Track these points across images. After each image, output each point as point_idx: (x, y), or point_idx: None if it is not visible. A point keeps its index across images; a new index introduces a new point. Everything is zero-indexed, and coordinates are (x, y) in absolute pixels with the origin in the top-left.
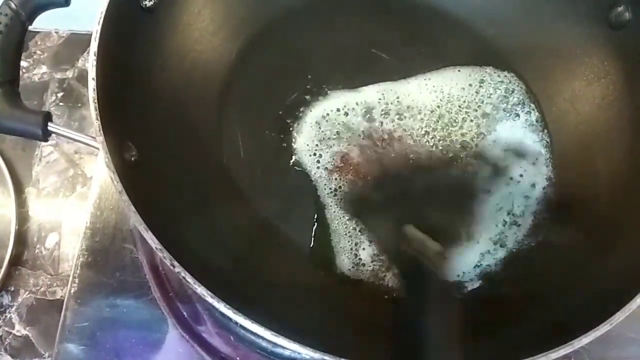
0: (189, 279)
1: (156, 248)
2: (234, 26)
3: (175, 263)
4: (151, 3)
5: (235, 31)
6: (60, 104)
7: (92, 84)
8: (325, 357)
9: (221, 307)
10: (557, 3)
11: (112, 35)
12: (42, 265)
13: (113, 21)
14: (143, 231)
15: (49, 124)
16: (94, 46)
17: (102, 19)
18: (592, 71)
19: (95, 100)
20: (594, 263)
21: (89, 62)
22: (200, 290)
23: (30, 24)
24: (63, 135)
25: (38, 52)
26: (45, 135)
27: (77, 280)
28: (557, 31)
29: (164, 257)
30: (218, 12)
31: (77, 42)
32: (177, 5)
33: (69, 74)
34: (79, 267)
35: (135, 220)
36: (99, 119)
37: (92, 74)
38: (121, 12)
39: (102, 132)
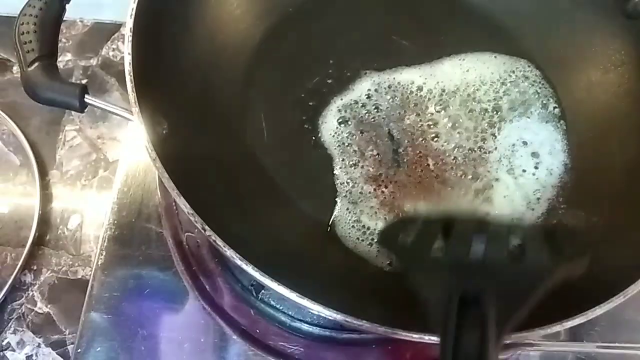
0: (219, 242)
1: (188, 212)
2: (258, 11)
3: (207, 227)
4: None
5: (260, 16)
6: None
7: (128, 58)
8: (347, 318)
9: (249, 269)
10: None
11: (146, 14)
12: (65, 245)
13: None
14: (176, 196)
15: (86, 95)
16: (129, 22)
17: None
18: (608, 60)
19: (131, 73)
20: (608, 243)
21: (125, 38)
22: (230, 253)
23: (68, 1)
24: (99, 107)
25: (63, 39)
26: (82, 106)
27: (104, 253)
28: (573, 20)
29: (196, 221)
30: None
31: (101, 31)
32: None
33: (93, 62)
34: (106, 240)
35: (168, 186)
36: (134, 91)
37: (127, 49)
38: None
39: (137, 104)
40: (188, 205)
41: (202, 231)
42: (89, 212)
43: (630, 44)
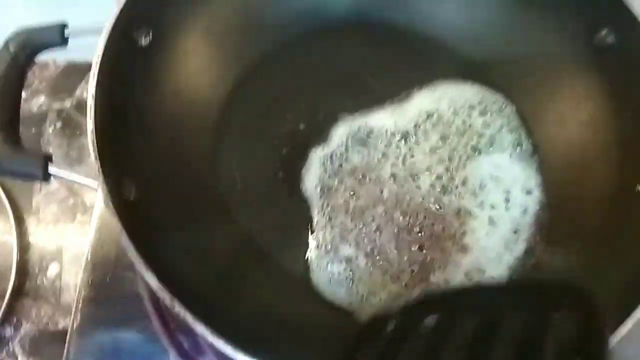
0: (189, 319)
1: (157, 287)
2: (228, 60)
3: (176, 303)
4: (146, 42)
5: (230, 64)
6: (59, 133)
7: (90, 125)
8: None
9: (220, 345)
10: (543, 27)
11: (109, 77)
12: (44, 295)
13: (110, 63)
14: (144, 271)
15: (50, 166)
16: (91, 89)
17: (98, 62)
18: (579, 92)
19: (94, 143)
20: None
21: (88, 105)
22: (200, 328)
23: (29, 67)
24: (63, 178)
25: (36, 82)
26: (46, 177)
27: (79, 315)
28: (544, 54)
29: (164, 297)
30: (212, 47)
31: (74, 72)
32: (172, 42)
33: (67, 103)
34: (80, 302)
35: (136, 262)
36: (98, 161)
37: (90, 116)
38: (117, 53)
39: (101, 173)
40: (156, 281)
41: (171, 308)
42: (68, 259)
43: (599, 77)
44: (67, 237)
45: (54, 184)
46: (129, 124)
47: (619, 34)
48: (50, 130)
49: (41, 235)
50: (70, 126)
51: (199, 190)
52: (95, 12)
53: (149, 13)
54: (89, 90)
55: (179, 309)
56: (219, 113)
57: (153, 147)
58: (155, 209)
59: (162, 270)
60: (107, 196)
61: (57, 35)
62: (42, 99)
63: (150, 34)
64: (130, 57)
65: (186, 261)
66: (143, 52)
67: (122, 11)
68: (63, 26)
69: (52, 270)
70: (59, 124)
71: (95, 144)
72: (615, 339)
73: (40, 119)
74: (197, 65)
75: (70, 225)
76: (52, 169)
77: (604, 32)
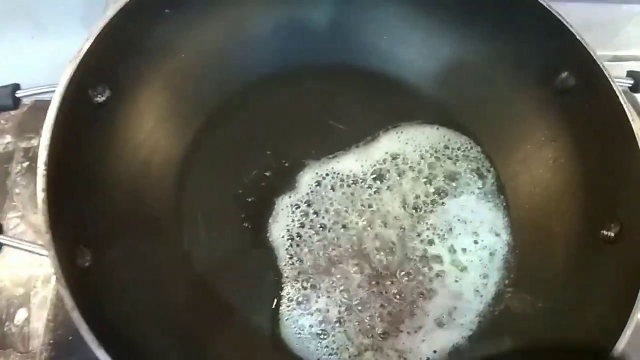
0: None
1: None
2: (190, 110)
3: None
4: (103, 98)
5: (190, 114)
6: (27, 173)
7: (41, 195)
8: None
9: None
10: (506, 70)
11: (63, 139)
12: (12, 343)
13: (64, 123)
14: (95, 349)
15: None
16: (42, 155)
17: (52, 123)
18: (542, 134)
19: (46, 212)
20: (555, 331)
21: (38, 173)
22: None
23: None
24: (14, 247)
25: (2, 121)
26: None
27: None
28: (508, 96)
29: None
30: (173, 99)
31: (41, 110)
32: (129, 97)
33: (34, 142)
34: None
35: (87, 338)
36: (49, 231)
37: (41, 184)
38: (72, 112)
39: (52, 244)
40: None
41: None
42: (35, 304)
43: (561, 118)
44: (35, 282)
45: (20, 226)
46: (86, 183)
47: (579, 77)
48: (16, 170)
49: (8, 281)
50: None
51: (160, 245)
52: (49, 71)
53: (104, 70)
54: (39, 156)
55: None
56: (181, 164)
57: (112, 206)
58: (112, 274)
59: (117, 343)
60: (57, 270)
61: (8, 97)
62: (8, 138)
63: (107, 90)
64: (86, 115)
65: (145, 324)
66: (100, 109)
67: (76, 70)
68: (15, 86)
69: (20, 316)
70: (25, 164)
71: (47, 215)
72: None
73: (7, 158)
74: (157, 118)
75: (37, 270)
76: (2, 238)
77: (564, 74)
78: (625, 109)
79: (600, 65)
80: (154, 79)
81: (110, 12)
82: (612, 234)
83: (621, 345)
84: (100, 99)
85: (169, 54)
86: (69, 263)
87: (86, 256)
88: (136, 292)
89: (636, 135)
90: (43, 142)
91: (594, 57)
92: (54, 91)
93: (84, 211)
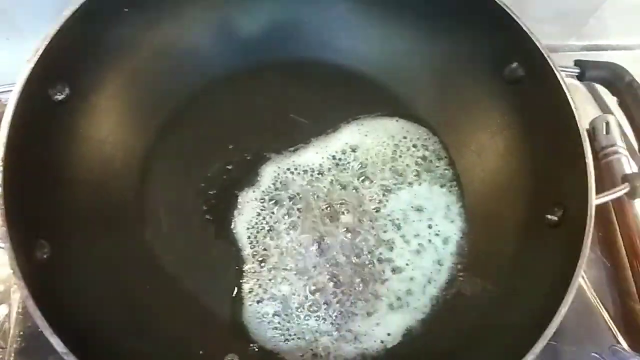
0: None
1: (62, 352)
2: (150, 106)
3: None
4: (62, 96)
5: (153, 110)
6: None
7: None
8: None
9: None
10: (459, 62)
11: (22, 135)
12: None
13: (23, 119)
14: (49, 336)
15: None
16: (0, 151)
17: (9, 120)
18: (495, 123)
19: (3, 206)
20: (503, 312)
21: None
22: None
23: None
24: None
25: None
26: None
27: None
28: (461, 86)
29: None
30: (133, 95)
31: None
32: (90, 94)
33: None
34: (12, 354)
35: (40, 325)
36: (5, 224)
37: None
38: (31, 109)
39: (8, 237)
40: (62, 345)
41: None
42: (16, 301)
43: (512, 108)
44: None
45: None
46: (46, 179)
47: (526, 67)
48: None
49: None
50: None
51: (122, 237)
52: (7, 69)
53: (63, 69)
54: None
55: None
56: (143, 159)
57: (74, 200)
58: (71, 265)
59: (74, 330)
60: (12, 262)
61: None
62: None
63: (67, 88)
64: (47, 112)
65: (105, 314)
66: (59, 107)
67: (34, 68)
68: None
69: (1, 312)
70: None
71: (3, 209)
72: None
73: None
74: (120, 115)
75: None
76: None
77: (514, 65)
78: (569, 98)
79: (545, 55)
80: (115, 77)
81: (68, 11)
82: (556, 218)
83: (554, 326)
84: (59, 97)
85: (130, 52)
86: (26, 255)
87: (44, 249)
88: (96, 283)
89: (578, 123)
90: (0, 139)
91: (540, 47)
92: (11, 90)
93: (43, 205)
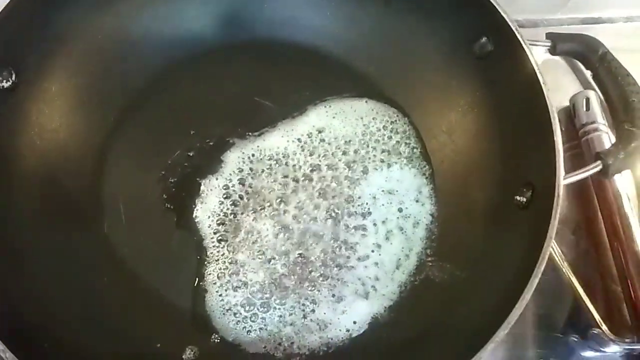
0: None
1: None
2: (106, 92)
3: None
4: (9, 83)
5: (109, 97)
6: None
7: None
8: None
9: None
10: (429, 39)
11: None
12: None
13: None
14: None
15: None
16: None
17: None
18: (466, 102)
19: None
20: (470, 298)
21: None
22: None
23: None
24: None
25: None
26: None
27: None
28: (431, 64)
29: (7, 357)
30: (86, 81)
31: None
32: (39, 81)
33: None
34: None
35: None
36: None
37: None
38: None
39: None
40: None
41: None
42: None
43: (482, 84)
44: None
45: None
46: None
47: (495, 42)
48: None
49: None
50: None
51: (80, 232)
52: None
53: (8, 54)
54: None
55: None
56: (101, 148)
57: (23, 192)
58: (24, 259)
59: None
60: None
61: None
62: None
63: (13, 75)
64: None
65: (59, 309)
66: (6, 94)
67: None
68: None
69: None
70: None
71: None
72: (490, 345)
73: None
74: (73, 102)
75: None
76: None
77: (483, 40)
78: (537, 72)
79: (513, 28)
80: (66, 62)
81: None
82: (525, 200)
83: (518, 310)
84: (5, 84)
85: (80, 35)
86: None
87: None
88: (49, 277)
89: (547, 98)
90: None
91: (508, 20)
92: None
93: None
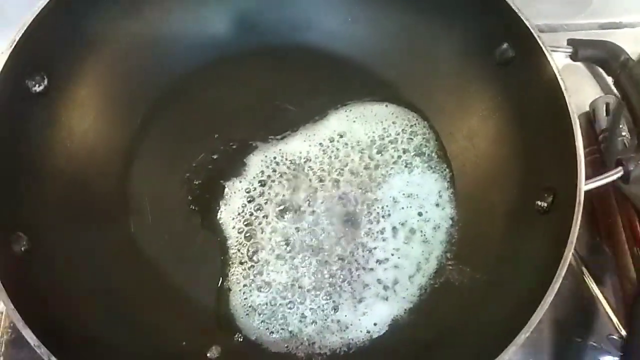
0: None
1: (34, 345)
2: (133, 96)
3: (53, 359)
4: (41, 88)
5: (135, 100)
6: None
7: None
8: None
9: None
10: (450, 44)
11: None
12: None
13: (0, 110)
14: (21, 328)
15: None
16: None
17: None
18: (486, 107)
19: None
20: (490, 301)
21: None
22: None
23: None
24: None
25: None
26: None
27: (2, 358)
28: (452, 69)
29: (41, 353)
30: (114, 86)
31: None
32: (70, 84)
33: None
34: (3, 345)
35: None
36: None
37: None
38: (9, 100)
39: None
40: (34, 337)
41: None
42: None
43: (504, 90)
44: None
45: None
46: (24, 171)
47: (517, 48)
48: None
49: None
50: None
51: (106, 231)
52: None
53: (41, 59)
54: None
55: None
56: (128, 151)
57: (54, 193)
58: (52, 257)
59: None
60: None
61: None
62: None
63: (45, 79)
64: (25, 103)
65: (86, 307)
66: (38, 98)
67: (10, 58)
68: None
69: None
70: None
71: None
72: (512, 348)
73: None
74: (101, 106)
75: None
76: None
77: (504, 46)
78: (558, 78)
79: (535, 35)
80: (95, 67)
81: (42, 1)
82: (545, 205)
83: (539, 314)
84: (38, 88)
85: (109, 41)
86: (2, 248)
87: (22, 241)
88: (78, 275)
89: (568, 104)
90: None
91: (529, 26)
92: None
93: (21, 199)
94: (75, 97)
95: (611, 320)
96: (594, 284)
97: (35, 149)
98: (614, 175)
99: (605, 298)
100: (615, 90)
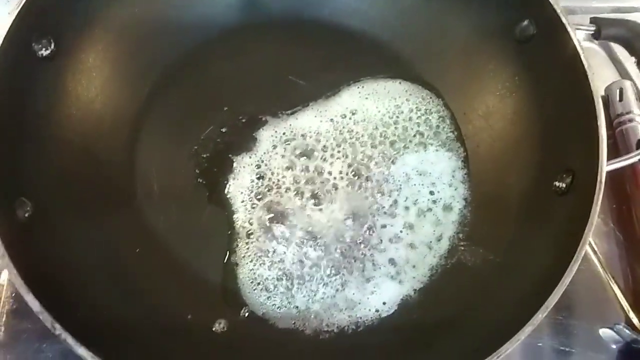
0: (70, 341)
1: (36, 311)
2: (142, 65)
3: (57, 325)
4: (48, 52)
5: (144, 70)
6: None
7: None
8: None
9: None
10: (468, 20)
11: (4, 90)
12: None
13: (6, 74)
14: (24, 294)
15: None
16: None
17: None
18: (504, 86)
19: None
20: (504, 283)
21: None
22: (81, 351)
23: None
24: None
25: None
26: None
27: (2, 328)
28: (468, 47)
29: (44, 319)
30: (123, 52)
31: None
32: (78, 50)
33: None
34: (4, 315)
35: (15, 282)
36: None
37: None
38: (15, 63)
39: None
40: (36, 303)
41: (52, 330)
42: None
43: (523, 68)
44: None
45: None
46: (29, 137)
47: (538, 25)
48: None
49: None
50: None
51: (112, 201)
52: None
53: (48, 23)
54: None
55: (59, 332)
56: (135, 121)
57: (60, 159)
58: (56, 224)
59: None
60: None
61: None
62: None
63: (52, 44)
64: (31, 68)
65: (89, 276)
66: (45, 62)
67: (16, 19)
68: None
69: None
70: None
71: None
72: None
73: None
74: (109, 73)
75: None
76: None
77: (525, 22)
78: (581, 55)
79: (558, 11)
80: (104, 33)
81: None
82: (564, 185)
83: (557, 295)
84: (45, 52)
85: (119, 7)
86: (5, 212)
87: (26, 207)
88: (82, 245)
89: (591, 82)
90: None
91: (552, 3)
92: None
93: (26, 164)
94: (83, 63)
95: (622, 306)
96: (606, 269)
97: (40, 115)
98: (636, 156)
99: (617, 284)
100: (635, 72)
